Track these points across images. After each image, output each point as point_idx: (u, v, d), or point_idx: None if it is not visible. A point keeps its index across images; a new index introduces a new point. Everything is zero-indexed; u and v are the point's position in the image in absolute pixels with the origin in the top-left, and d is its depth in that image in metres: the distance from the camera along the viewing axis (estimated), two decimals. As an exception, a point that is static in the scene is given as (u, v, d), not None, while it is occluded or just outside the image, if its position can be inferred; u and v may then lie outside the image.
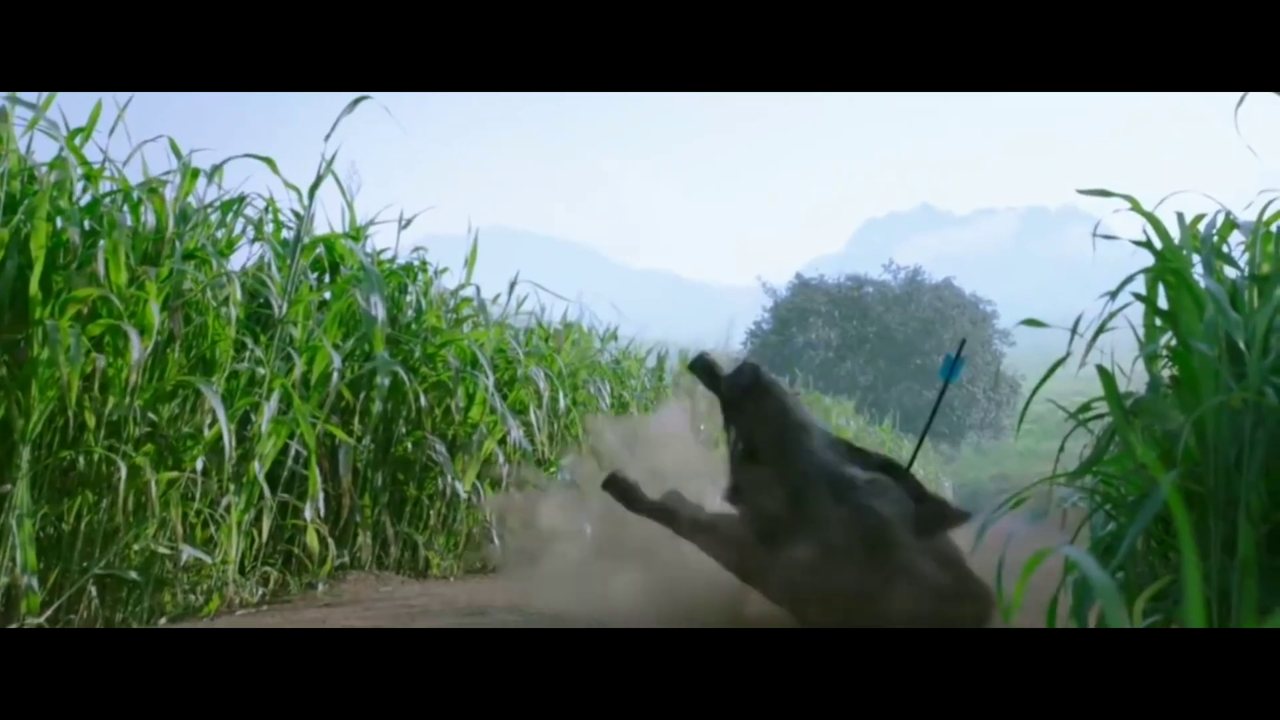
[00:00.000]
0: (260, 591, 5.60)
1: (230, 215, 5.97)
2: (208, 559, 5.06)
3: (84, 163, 5.00)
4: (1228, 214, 3.39)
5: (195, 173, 5.55)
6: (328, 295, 6.46)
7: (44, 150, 5.24)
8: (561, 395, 8.34)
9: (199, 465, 5.06)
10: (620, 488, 4.82)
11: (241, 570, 5.44)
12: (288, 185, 6.18)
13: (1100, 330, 3.12)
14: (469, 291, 8.09)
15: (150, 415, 4.98)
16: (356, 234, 6.90)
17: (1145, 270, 3.17)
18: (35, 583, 4.29)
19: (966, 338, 5.28)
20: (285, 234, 6.27)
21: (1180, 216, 3.32)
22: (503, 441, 7.46)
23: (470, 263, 8.14)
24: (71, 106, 5.09)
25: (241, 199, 5.99)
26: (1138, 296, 3.21)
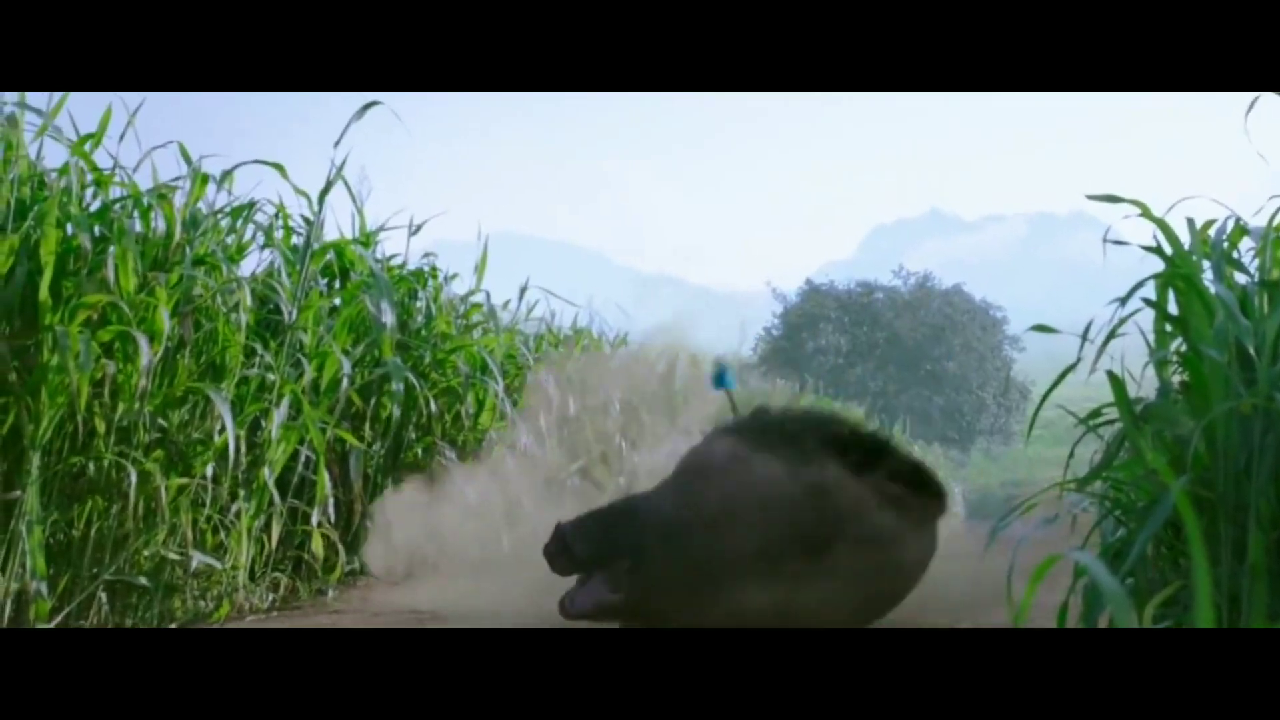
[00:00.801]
0: (270, 597, 5.61)
1: (240, 221, 5.99)
2: (218, 565, 5.07)
3: (94, 168, 5.02)
4: (1238, 219, 3.39)
5: (205, 178, 5.57)
6: (337, 301, 6.48)
7: (54, 156, 5.26)
8: (571, 400, 8.33)
9: (209, 471, 5.07)
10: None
11: (251, 576, 5.44)
12: (298, 191, 6.20)
13: (1110, 336, 3.12)
14: (479, 297, 8.10)
15: (160, 421, 4.99)
16: (366, 240, 6.91)
17: (1155, 276, 3.17)
18: (45, 589, 4.29)
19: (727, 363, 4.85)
20: (295, 240, 6.29)
21: (1190, 222, 3.31)
22: (513, 447, 7.46)
23: (480, 268, 8.16)
24: (81, 112, 5.10)
25: (251, 205, 6.01)
26: (1147, 302, 3.20)
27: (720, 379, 5.15)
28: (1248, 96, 3.26)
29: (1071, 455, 3.68)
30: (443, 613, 5.25)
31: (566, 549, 3.63)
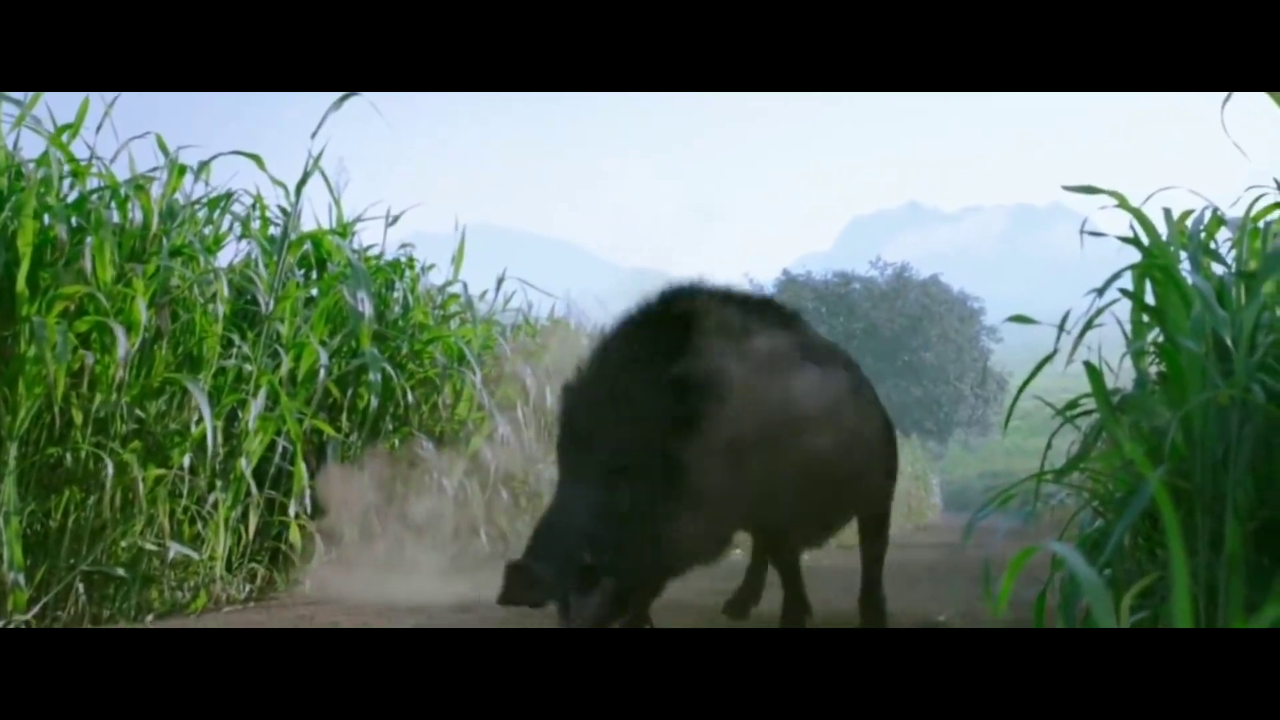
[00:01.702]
0: (247, 588, 5.60)
1: (217, 212, 5.98)
2: (195, 556, 5.06)
3: (71, 159, 5.00)
4: (1215, 210, 3.40)
5: (182, 169, 5.56)
6: (314, 292, 6.46)
7: (31, 147, 5.27)
8: (549, 391, 8.33)
9: (186, 462, 5.06)
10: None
11: (228, 567, 5.44)
12: (275, 182, 6.18)
13: (1088, 327, 3.12)
14: (456, 288, 8.08)
15: (137, 412, 4.99)
16: (344, 230, 6.88)
17: (1132, 267, 3.17)
18: (22, 580, 4.28)
19: None
20: (272, 230, 6.27)
21: (1167, 213, 3.33)
22: (490, 438, 7.46)
23: (457, 259, 8.12)
24: (58, 102, 5.08)
25: (228, 196, 5.99)
26: (1125, 293, 3.21)
27: None
28: (1235, 96, 3.27)
29: (1049, 446, 3.68)
30: (419, 606, 5.25)
31: (533, 580, 3.46)
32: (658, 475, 3.59)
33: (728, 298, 4.12)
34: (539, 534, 3.57)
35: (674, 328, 3.86)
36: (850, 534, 4.84)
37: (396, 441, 6.84)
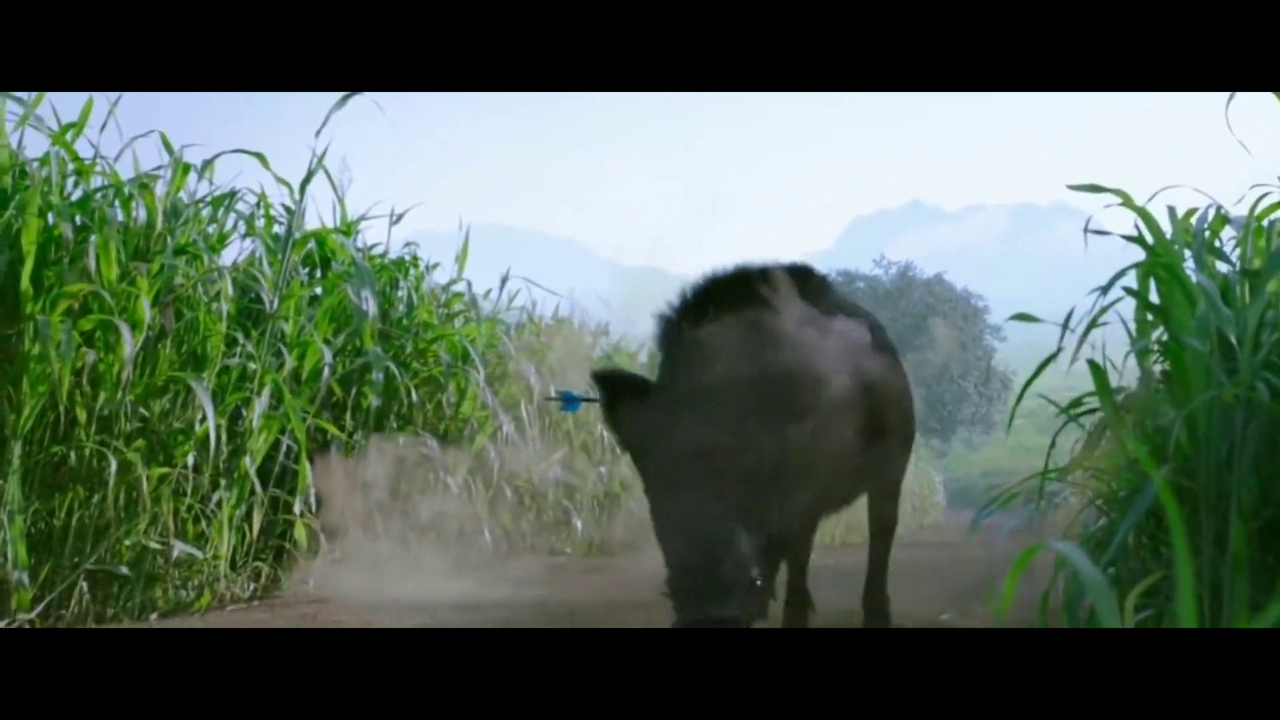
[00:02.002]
0: (251, 587, 5.60)
1: (221, 211, 5.98)
2: (199, 554, 5.06)
3: (75, 158, 5.01)
4: (1219, 209, 3.39)
5: (186, 168, 5.56)
6: (319, 290, 6.46)
7: (35, 146, 5.26)
8: (553, 389, 8.34)
9: (190, 460, 5.06)
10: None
11: (233, 565, 5.44)
12: (279, 180, 6.18)
13: (1092, 325, 3.11)
14: (460, 286, 8.07)
15: (141, 410, 4.99)
16: (348, 229, 6.87)
17: (1136, 265, 3.17)
18: (26, 578, 4.28)
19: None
20: (276, 229, 6.27)
21: (1172, 211, 3.32)
22: (494, 436, 7.46)
23: (461, 258, 8.12)
24: (63, 101, 5.09)
25: (233, 194, 6.00)
26: (1129, 291, 3.20)
27: (568, 403, 5.25)
28: (1238, 95, 3.26)
29: (1053, 445, 3.67)
30: (423, 604, 5.25)
31: (726, 623, 3.22)
32: (786, 472, 3.48)
33: (782, 278, 4.04)
34: (694, 566, 3.35)
35: (753, 318, 3.66)
36: (850, 533, 4.84)
37: (400, 441, 6.83)
